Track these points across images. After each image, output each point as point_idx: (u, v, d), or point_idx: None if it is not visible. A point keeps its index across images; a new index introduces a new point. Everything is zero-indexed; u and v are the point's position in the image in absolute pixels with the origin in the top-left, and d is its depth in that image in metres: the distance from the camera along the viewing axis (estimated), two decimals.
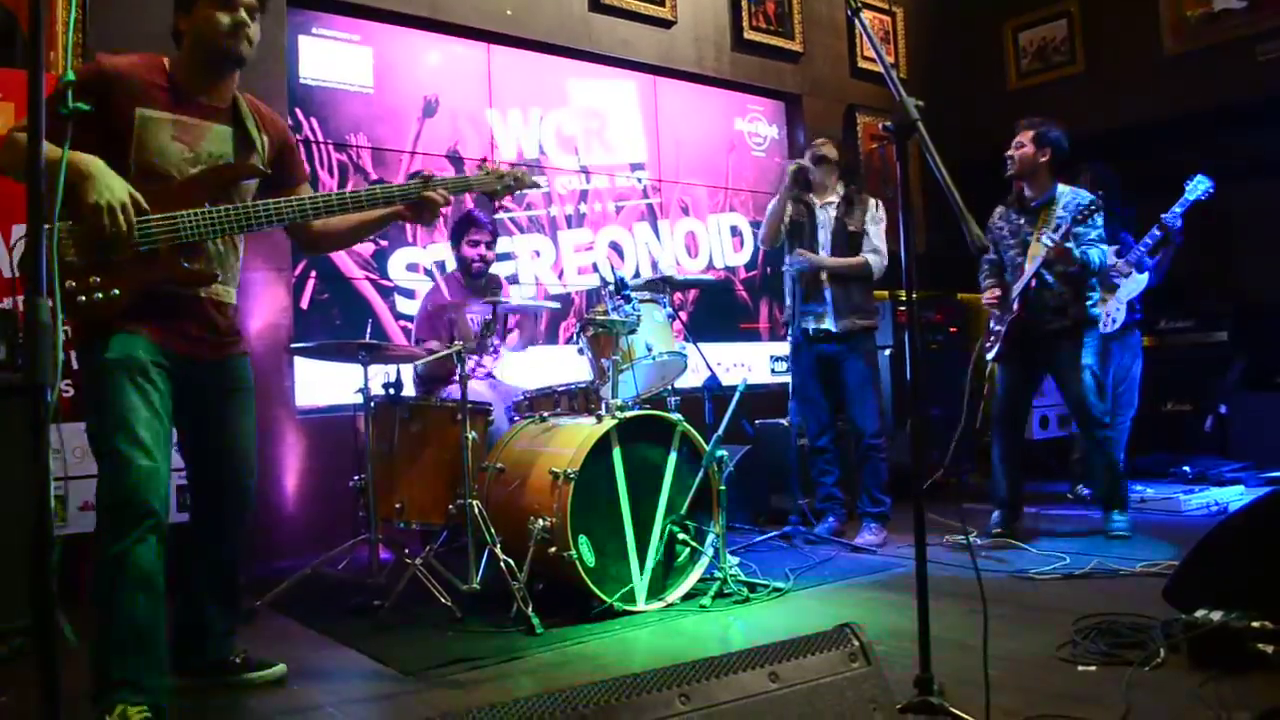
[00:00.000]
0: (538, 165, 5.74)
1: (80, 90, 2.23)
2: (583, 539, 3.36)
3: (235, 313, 2.74)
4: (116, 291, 2.35)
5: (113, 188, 2.29)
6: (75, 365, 2.22)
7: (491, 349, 4.55)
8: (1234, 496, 5.34)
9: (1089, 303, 4.49)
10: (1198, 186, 5.08)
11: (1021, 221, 4.58)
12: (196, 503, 2.74)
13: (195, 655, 2.73)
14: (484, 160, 2.89)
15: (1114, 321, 5.47)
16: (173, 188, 2.46)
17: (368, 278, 5.03)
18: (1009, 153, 4.58)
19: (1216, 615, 2.57)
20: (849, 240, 4.78)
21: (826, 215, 4.83)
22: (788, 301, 4.90)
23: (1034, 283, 4.45)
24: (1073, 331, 4.47)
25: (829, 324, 4.75)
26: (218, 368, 2.63)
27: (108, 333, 2.38)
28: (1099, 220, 4.43)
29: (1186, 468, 6.02)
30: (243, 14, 2.54)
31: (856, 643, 1.72)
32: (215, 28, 2.52)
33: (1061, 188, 4.53)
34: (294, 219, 2.62)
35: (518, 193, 3.00)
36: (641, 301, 3.89)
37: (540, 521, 3.35)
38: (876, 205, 4.86)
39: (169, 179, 2.48)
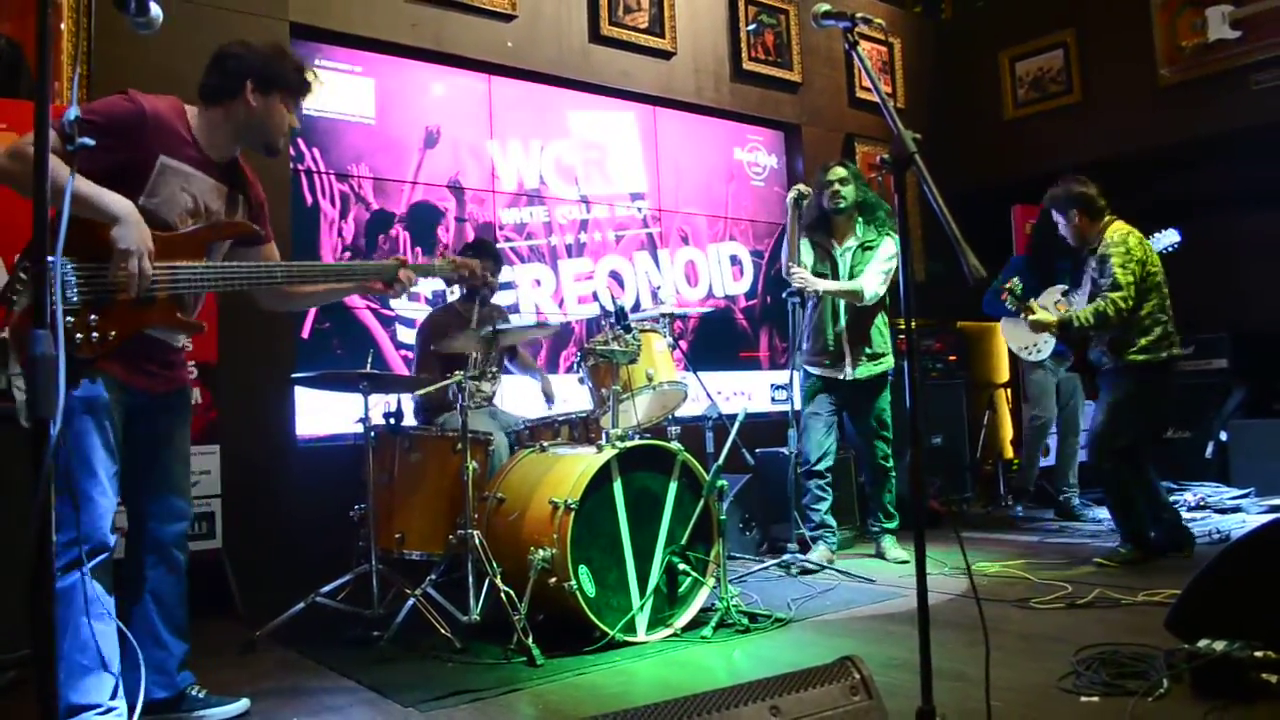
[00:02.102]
0: (538, 195, 5.78)
1: (117, 125, 2.40)
2: (583, 569, 3.35)
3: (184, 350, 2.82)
4: (113, 334, 2.39)
5: (144, 235, 2.36)
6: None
7: (491, 375, 4.56)
8: (1235, 524, 5.33)
9: (1126, 348, 4.46)
10: (1166, 238, 5.03)
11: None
12: (137, 528, 2.70)
13: (156, 690, 2.66)
14: (444, 248, 3.13)
15: (1039, 351, 5.76)
16: (176, 239, 2.52)
17: (369, 307, 5.05)
18: (1060, 232, 4.66)
19: (1219, 645, 2.56)
20: None
21: (845, 262, 4.84)
22: (791, 332, 4.85)
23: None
24: (1108, 373, 4.58)
25: (846, 376, 4.82)
26: (167, 397, 2.69)
27: (77, 369, 2.37)
28: (1108, 267, 4.40)
29: (1187, 495, 6.02)
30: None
31: (858, 675, 1.71)
32: (281, 126, 2.69)
33: (1107, 235, 4.47)
34: (286, 282, 2.74)
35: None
36: (642, 331, 3.90)
37: (540, 552, 3.34)
38: (893, 245, 4.77)
39: (170, 228, 2.53)
